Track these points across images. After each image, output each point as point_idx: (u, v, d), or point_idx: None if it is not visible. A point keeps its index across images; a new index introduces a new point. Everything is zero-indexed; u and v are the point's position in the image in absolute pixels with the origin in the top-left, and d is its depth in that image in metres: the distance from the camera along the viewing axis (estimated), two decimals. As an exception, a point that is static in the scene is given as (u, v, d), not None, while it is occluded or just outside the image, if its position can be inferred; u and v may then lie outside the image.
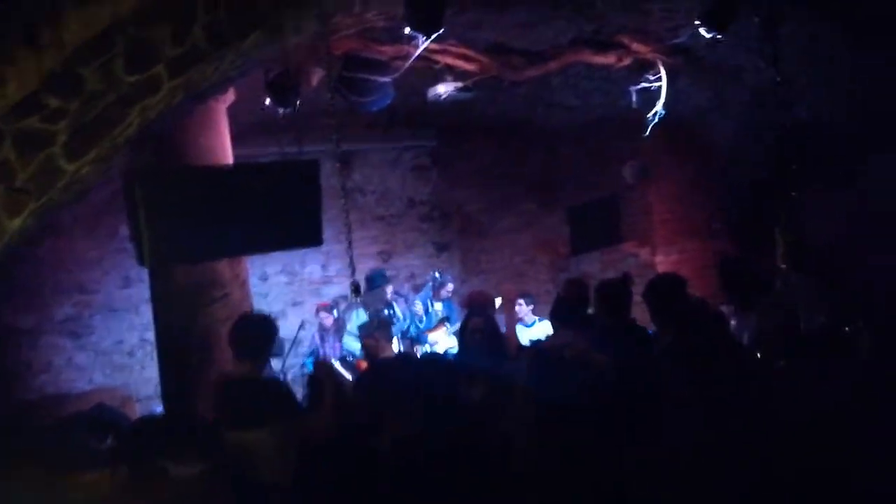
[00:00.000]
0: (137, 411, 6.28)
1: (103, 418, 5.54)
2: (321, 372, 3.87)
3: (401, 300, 7.13)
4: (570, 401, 3.16)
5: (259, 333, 3.50)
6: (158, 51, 3.05)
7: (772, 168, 4.78)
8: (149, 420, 4.96)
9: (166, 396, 4.55)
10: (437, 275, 7.30)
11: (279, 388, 3.68)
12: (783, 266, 3.70)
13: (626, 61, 5.33)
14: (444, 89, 5.18)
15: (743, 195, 6.84)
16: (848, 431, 2.43)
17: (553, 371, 3.41)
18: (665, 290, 3.70)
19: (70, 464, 3.37)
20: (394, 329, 5.95)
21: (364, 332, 5.31)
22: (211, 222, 3.39)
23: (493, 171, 8.64)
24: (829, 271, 4.05)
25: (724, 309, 4.19)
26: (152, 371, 5.95)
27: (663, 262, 7.17)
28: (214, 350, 4.34)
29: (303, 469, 3.37)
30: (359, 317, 6.42)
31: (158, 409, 5.40)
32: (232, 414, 3.39)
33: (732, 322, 3.85)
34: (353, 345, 6.39)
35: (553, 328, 4.29)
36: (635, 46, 5.22)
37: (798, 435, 2.47)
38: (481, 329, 4.48)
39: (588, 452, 2.97)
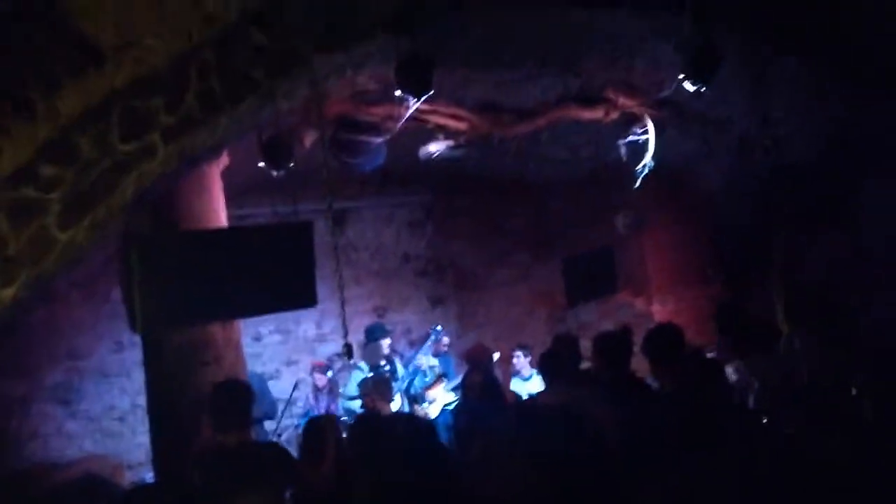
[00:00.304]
0: (128, 479, 6.13)
1: (93, 488, 5.41)
2: (323, 424, 3.79)
3: (397, 356, 7.06)
4: (562, 455, 3.13)
5: (238, 402, 3.43)
6: (153, 119, 3.11)
7: (762, 212, 4.82)
8: (141, 489, 4.85)
9: (157, 462, 4.45)
10: (438, 328, 7.25)
11: (276, 451, 3.61)
12: (785, 325, 3.66)
13: (614, 115, 5.43)
14: (435, 148, 5.27)
15: (735, 241, 6.90)
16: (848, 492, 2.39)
17: (544, 426, 3.38)
18: (662, 341, 3.69)
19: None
20: (394, 386, 5.87)
21: (363, 390, 5.24)
22: (204, 285, 3.39)
23: (487, 225, 8.71)
24: (833, 324, 4.03)
25: (714, 355, 4.17)
26: (144, 437, 5.82)
27: (660, 311, 7.17)
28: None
29: None
30: (355, 377, 6.35)
31: (149, 476, 5.27)
32: (222, 486, 3.28)
33: (733, 376, 3.82)
34: (350, 405, 6.31)
35: (544, 383, 4.27)
36: (622, 101, 5.34)
37: (798, 491, 2.43)
38: (480, 383, 4.46)
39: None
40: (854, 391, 3.16)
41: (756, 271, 6.50)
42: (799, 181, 5.08)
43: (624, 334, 4.16)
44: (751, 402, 3.65)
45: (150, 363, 4.43)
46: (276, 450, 3.72)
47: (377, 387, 4.96)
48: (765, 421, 3.29)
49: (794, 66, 4.88)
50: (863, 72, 4.63)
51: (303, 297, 3.72)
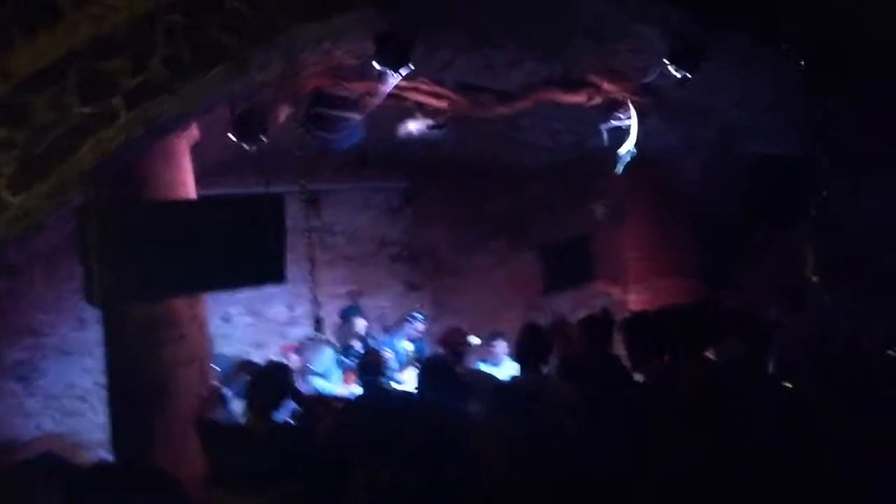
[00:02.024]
0: (88, 459, 5.97)
1: (51, 467, 5.22)
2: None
3: (371, 339, 6.94)
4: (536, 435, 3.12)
5: (278, 387, 3.43)
6: (114, 82, 2.95)
7: (742, 205, 4.76)
8: (104, 469, 4.68)
9: (117, 443, 4.30)
10: (416, 314, 7.13)
11: (297, 435, 3.53)
12: (814, 280, 3.44)
13: (597, 100, 5.35)
14: (414, 126, 5.14)
15: (714, 233, 6.87)
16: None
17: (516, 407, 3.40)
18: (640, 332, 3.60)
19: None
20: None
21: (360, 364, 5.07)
22: (168, 259, 3.24)
23: (464, 212, 8.61)
24: (870, 282, 3.80)
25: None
26: (105, 417, 5.67)
27: (636, 301, 7.13)
28: (170, 394, 4.13)
29: None
30: (326, 354, 6.21)
31: (110, 456, 5.12)
32: (234, 471, 3.22)
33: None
34: (321, 384, 6.18)
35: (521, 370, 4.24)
36: (606, 86, 5.25)
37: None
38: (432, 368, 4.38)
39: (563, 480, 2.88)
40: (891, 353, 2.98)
41: (735, 263, 6.48)
42: (781, 174, 5.02)
43: (605, 316, 4.14)
44: (770, 367, 3.47)
45: (110, 339, 4.28)
46: (298, 434, 3.63)
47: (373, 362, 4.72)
48: (788, 386, 3.07)
49: (775, 58, 4.83)
50: (845, 69, 4.58)
51: (271, 274, 3.58)
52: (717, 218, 6.55)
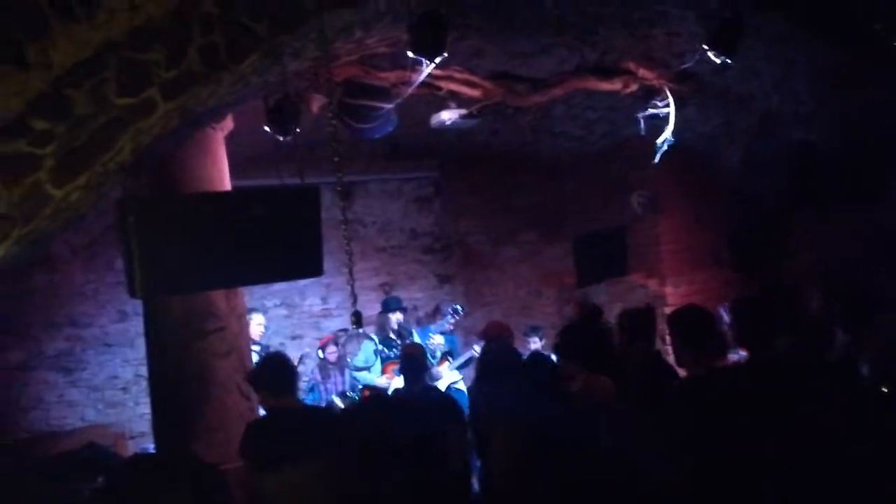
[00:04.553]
0: (130, 449, 6.08)
1: (94, 458, 5.35)
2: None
3: (410, 330, 6.94)
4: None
5: (286, 367, 3.63)
6: (152, 73, 2.96)
7: (783, 192, 4.62)
8: (143, 458, 4.76)
9: (158, 434, 4.36)
10: (458, 307, 7.10)
11: (328, 413, 3.66)
12: None
13: (633, 87, 5.24)
14: (448, 116, 5.09)
15: (752, 223, 6.71)
16: None
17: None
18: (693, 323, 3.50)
19: (60, 504, 3.20)
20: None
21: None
22: (205, 251, 3.24)
23: (496, 202, 8.54)
24: None
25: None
26: (146, 408, 5.76)
27: (673, 294, 7.00)
28: (210, 385, 4.17)
29: None
30: (366, 347, 6.24)
31: (152, 447, 5.20)
32: (277, 450, 3.28)
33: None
34: (361, 376, 6.25)
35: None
36: (641, 73, 5.14)
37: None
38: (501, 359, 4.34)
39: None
40: None
41: (774, 252, 6.32)
42: (823, 161, 4.86)
43: (648, 311, 4.03)
44: (864, 371, 3.34)
45: (151, 332, 4.33)
46: (329, 413, 3.79)
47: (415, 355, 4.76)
48: (885, 391, 2.94)
49: (820, 47, 4.67)
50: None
51: (309, 266, 3.56)
52: (757, 208, 6.39)
